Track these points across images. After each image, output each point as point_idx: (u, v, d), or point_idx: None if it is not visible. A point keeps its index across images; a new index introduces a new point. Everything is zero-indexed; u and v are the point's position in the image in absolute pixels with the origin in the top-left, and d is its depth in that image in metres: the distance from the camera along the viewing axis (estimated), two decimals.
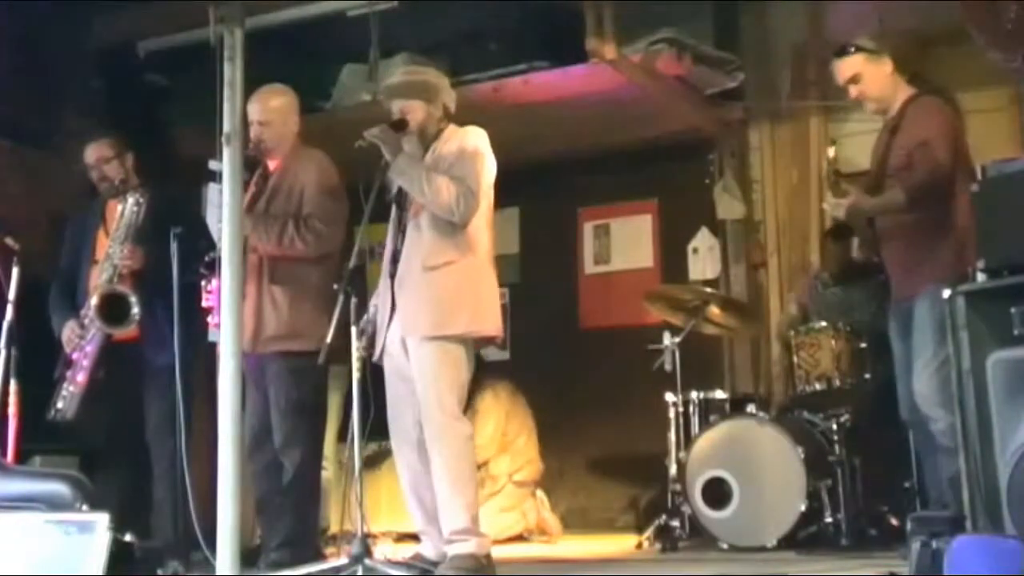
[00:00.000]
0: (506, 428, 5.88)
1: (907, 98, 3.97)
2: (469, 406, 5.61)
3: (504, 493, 5.78)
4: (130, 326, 4.21)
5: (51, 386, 4.33)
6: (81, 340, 4.27)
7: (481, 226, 3.88)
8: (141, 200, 4.26)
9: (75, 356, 4.27)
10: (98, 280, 4.29)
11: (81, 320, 4.30)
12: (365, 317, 4.00)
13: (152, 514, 4.24)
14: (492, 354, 5.60)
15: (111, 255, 4.25)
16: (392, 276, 3.90)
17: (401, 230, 3.94)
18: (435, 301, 3.78)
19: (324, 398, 4.31)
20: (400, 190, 3.94)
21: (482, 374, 5.70)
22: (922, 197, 3.77)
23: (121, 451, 4.37)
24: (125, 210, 4.26)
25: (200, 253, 4.22)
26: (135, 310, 4.17)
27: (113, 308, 4.19)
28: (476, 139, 3.91)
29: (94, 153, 4.53)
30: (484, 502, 5.46)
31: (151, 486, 4.31)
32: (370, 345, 3.94)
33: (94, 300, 4.19)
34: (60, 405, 4.25)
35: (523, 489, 5.85)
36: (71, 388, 4.24)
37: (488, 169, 3.91)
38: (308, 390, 4.19)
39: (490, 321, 3.86)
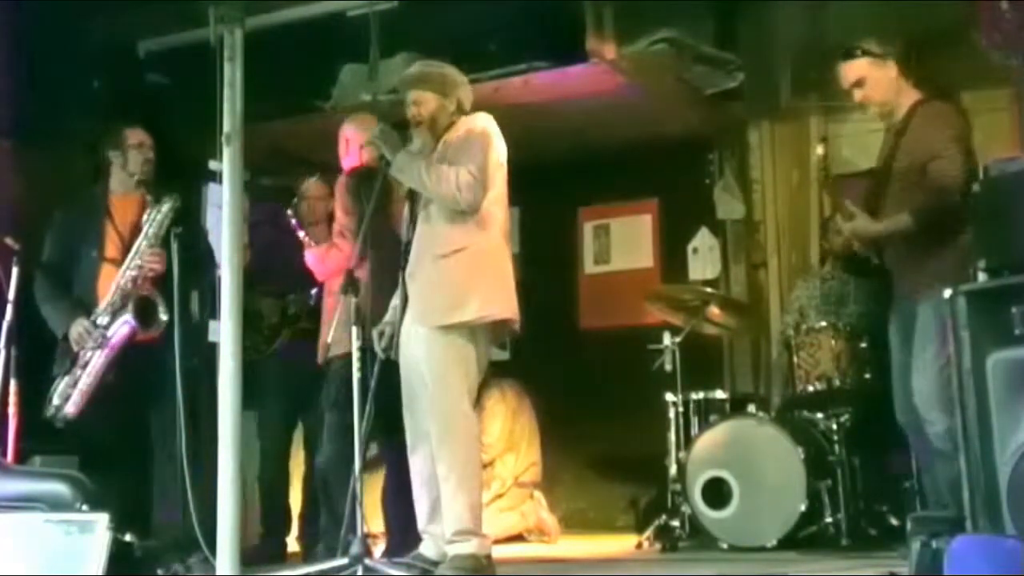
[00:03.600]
0: (512, 427, 5.89)
1: (914, 102, 3.95)
2: (477, 403, 5.64)
3: (507, 494, 5.79)
4: (158, 330, 4.18)
5: (49, 383, 4.31)
6: (99, 339, 4.20)
7: (493, 208, 3.84)
8: (176, 205, 4.21)
9: (87, 356, 4.22)
10: (120, 280, 4.24)
11: (93, 320, 4.24)
12: (385, 318, 4.00)
13: (157, 514, 4.23)
14: (492, 353, 5.60)
15: (141, 256, 4.21)
16: (403, 268, 3.90)
17: (413, 223, 3.94)
18: (446, 288, 3.76)
19: (341, 395, 4.29)
20: None
21: (489, 372, 5.72)
22: (930, 221, 3.76)
23: (129, 452, 4.35)
24: (160, 214, 4.19)
25: (200, 256, 4.23)
26: (163, 315, 4.15)
27: (144, 312, 4.18)
28: (482, 122, 3.90)
29: (137, 137, 4.51)
30: (490, 503, 5.49)
31: (155, 486, 4.31)
32: (389, 346, 3.94)
33: (131, 305, 4.15)
34: (57, 401, 4.19)
35: (523, 490, 5.86)
36: (81, 388, 4.19)
37: (496, 150, 3.86)
38: (326, 390, 4.33)
39: (502, 304, 3.82)
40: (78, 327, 4.23)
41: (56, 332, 4.31)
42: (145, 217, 4.23)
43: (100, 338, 4.20)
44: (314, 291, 5.00)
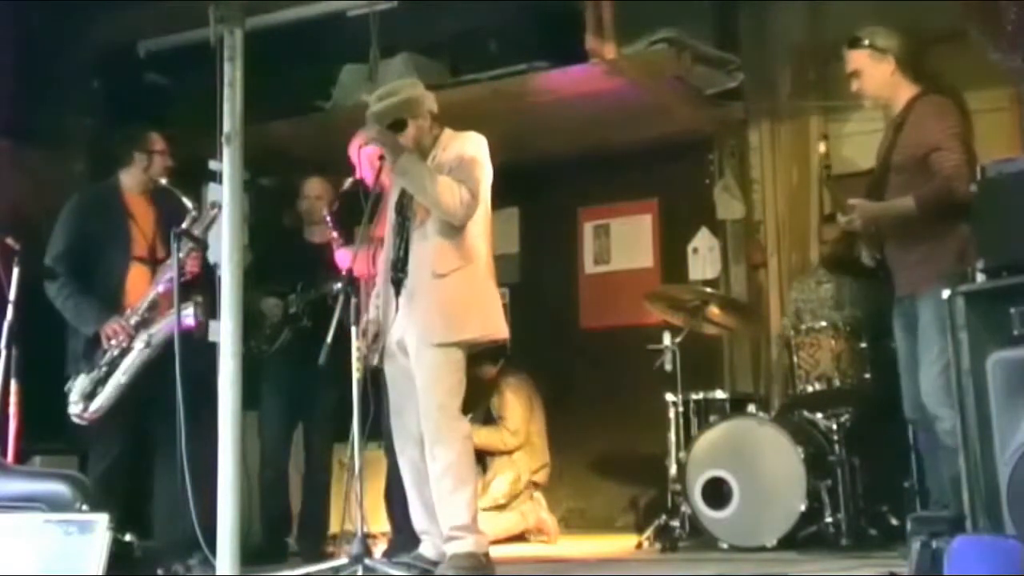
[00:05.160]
0: (531, 417, 5.91)
1: (912, 96, 3.97)
2: (497, 390, 5.68)
3: (521, 493, 5.81)
4: (201, 332, 4.19)
5: (57, 383, 4.32)
6: (147, 339, 4.23)
7: (480, 233, 3.88)
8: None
9: (116, 353, 4.25)
10: (158, 281, 4.31)
11: (128, 317, 4.27)
12: (366, 318, 4.01)
13: (168, 514, 4.23)
14: None
15: (181, 261, 4.21)
16: (395, 282, 3.90)
17: (402, 237, 3.93)
18: (447, 307, 3.78)
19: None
20: (402, 197, 3.94)
21: (504, 365, 5.74)
22: (932, 208, 3.76)
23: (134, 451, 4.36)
24: (208, 218, 4.17)
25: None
26: (200, 317, 4.16)
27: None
28: (475, 146, 3.91)
29: (161, 143, 4.55)
30: (509, 496, 5.64)
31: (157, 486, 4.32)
32: (374, 344, 3.94)
33: (193, 304, 4.16)
34: (76, 397, 4.22)
35: (526, 489, 5.87)
36: (116, 383, 4.22)
37: (488, 177, 3.91)
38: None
39: (499, 325, 3.89)
40: (115, 324, 4.26)
41: (85, 329, 4.33)
42: (189, 221, 4.23)
43: (147, 337, 4.24)
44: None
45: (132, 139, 4.57)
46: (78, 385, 4.27)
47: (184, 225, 4.20)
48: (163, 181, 4.42)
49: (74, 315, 4.35)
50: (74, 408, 4.25)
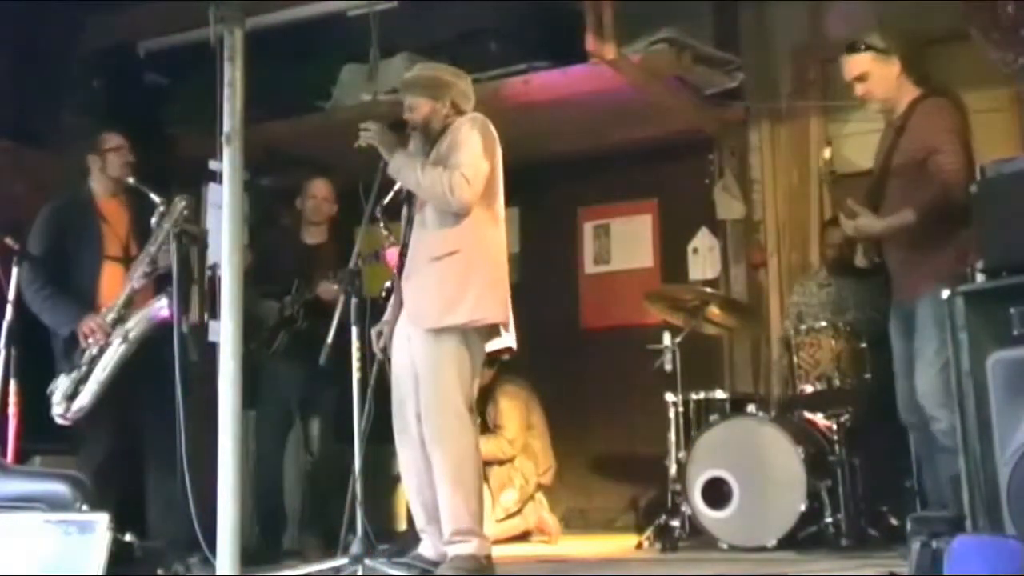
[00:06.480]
0: (530, 420, 5.89)
1: (913, 99, 3.96)
2: (491, 399, 5.64)
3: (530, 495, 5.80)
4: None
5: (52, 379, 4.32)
6: (123, 335, 4.24)
7: (484, 216, 3.82)
8: (191, 204, 4.22)
9: (95, 351, 4.25)
10: (133, 277, 4.30)
11: (104, 315, 4.27)
12: (384, 317, 4.00)
13: (162, 511, 4.23)
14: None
15: (153, 255, 4.23)
16: (399, 270, 3.90)
17: (409, 223, 3.93)
18: (438, 291, 3.75)
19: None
20: None
21: (500, 371, 5.74)
22: (933, 215, 3.76)
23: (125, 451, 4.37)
24: (176, 211, 4.15)
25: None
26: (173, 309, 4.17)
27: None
28: (475, 125, 3.86)
29: (114, 140, 4.55)
30: (521, 502, 5.66)
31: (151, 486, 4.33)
32: (387, 346, 3.93)
33: (166, 295, 4.16)
34: (59, 398, 4.22)
35: (533, 492, 5.87)
36: (98, 379, 4.22)
37: (489, 151, 3.82)
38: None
39: (494, 308, 3.80)
40: (89, 323, 4.26)
41: (61, 329, 4.32)
42: (158, 216, 4.23)
43: (124, 333, 4.24)
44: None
45: (89, 144, 4.60)
46: (59, 386, 4.25)
47: (153, 220, 4.21)
48: (130, 180, 4.42)
49: (51, 316, 4.34)
50: (57, 409, 4.23)
